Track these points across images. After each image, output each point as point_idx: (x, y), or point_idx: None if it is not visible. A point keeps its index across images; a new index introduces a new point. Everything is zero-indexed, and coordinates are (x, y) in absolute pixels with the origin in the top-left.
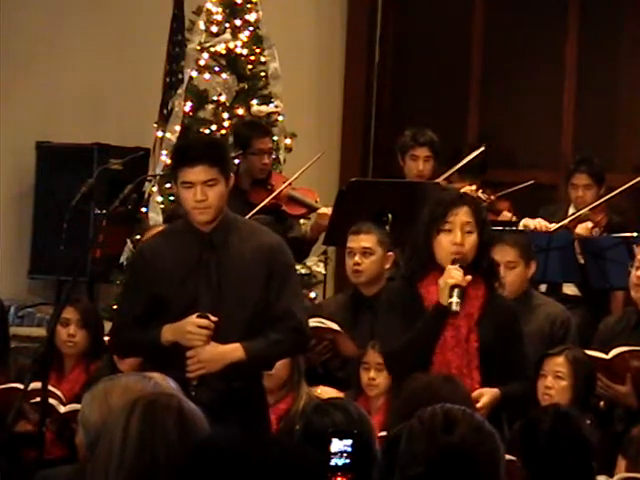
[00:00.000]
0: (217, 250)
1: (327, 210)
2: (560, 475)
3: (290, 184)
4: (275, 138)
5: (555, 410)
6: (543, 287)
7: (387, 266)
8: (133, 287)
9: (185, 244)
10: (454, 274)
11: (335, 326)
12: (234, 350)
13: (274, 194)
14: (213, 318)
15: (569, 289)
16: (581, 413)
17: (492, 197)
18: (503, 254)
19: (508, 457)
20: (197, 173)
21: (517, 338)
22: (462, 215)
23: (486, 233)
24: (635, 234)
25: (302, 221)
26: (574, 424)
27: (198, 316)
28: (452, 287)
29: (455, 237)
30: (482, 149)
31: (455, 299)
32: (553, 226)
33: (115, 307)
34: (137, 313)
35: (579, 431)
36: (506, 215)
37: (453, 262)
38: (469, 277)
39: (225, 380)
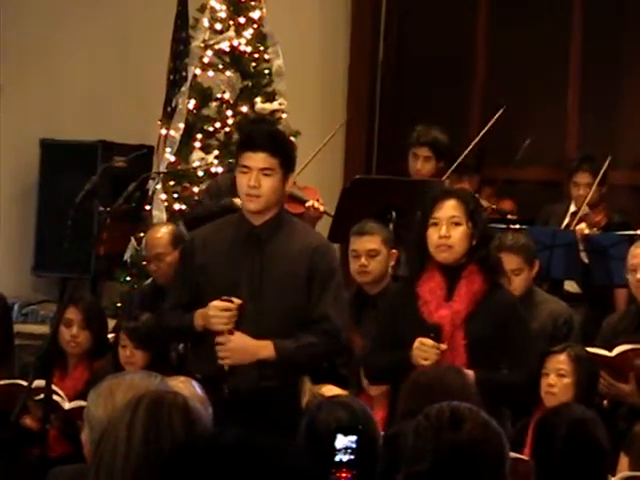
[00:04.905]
0: (263, 245)
1: (314, 203)
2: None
3: (294, 182)
4: None
5: (570, 415)
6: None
7: (391, 263)
8: (181, 274)
9: (234, 236)
10: (426, 354)
11: None
12: (265, 347)
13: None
14: (237, 301)
15: (570, 286)
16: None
17: (494, 206)
18: (508, 262)
19: (512, 455)
20: (256, 159)
21: (516, 332)
22: (447, 208)
23: (480, 224)
24: (639, 232)
25: None
26: (590, 430)
27: (221, 300)
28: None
29: (440, 230)
30: (502, 110)
31: None
32: None
33: (119, 305)
34: (183, 300)
35: (596, 438)
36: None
37: (442, 265)
38: (444, 346)
39: (255, 378)
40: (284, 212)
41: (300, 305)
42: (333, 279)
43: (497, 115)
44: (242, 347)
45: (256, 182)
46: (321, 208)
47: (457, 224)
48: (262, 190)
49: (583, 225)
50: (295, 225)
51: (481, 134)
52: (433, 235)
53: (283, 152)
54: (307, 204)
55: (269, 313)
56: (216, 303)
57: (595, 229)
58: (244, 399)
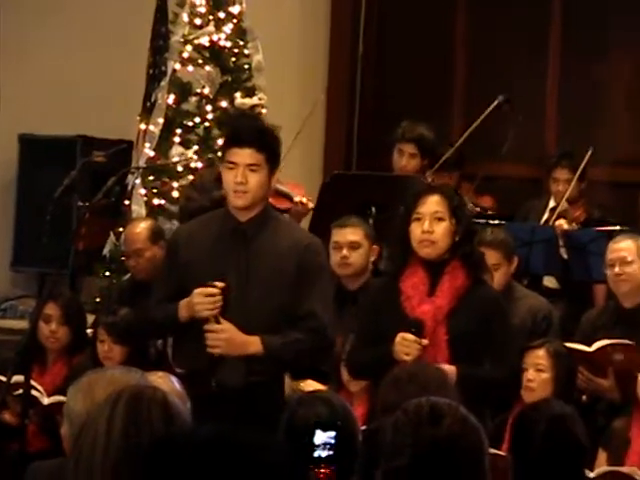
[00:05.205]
0: (249, 242)
1: (302, 198)
2: (550, 475)
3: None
4: None
5: (549, 411)
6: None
7: (372, 259)
8: (166, 269)
9: (219, 232)
10: (407, 349)
11: None
12: (253, 343)
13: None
14: (219, 284)
15: (549, 282)
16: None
17: (477, 209)
18: (487, 257)
19: (492, 451)
20: (243, 155)
21: (498, 327)
22: (431, 204)
23: (464, 220)
24: (617, 227)
25: None
26: (569, 426)
27: (205, 285)
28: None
29: (423, 225)
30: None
31: None
32: None
33: (98, 300)
34: (168, 294)
35: (574, 434)
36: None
37: (425, 261)
38: (425, 341)
39: (244, 374)
40: (270, 208)
41: (287, 302)
42: (321, 276)
43: (494, 104)
44: (232, 339)
45: (243, 178)
46: (310, 204)
47: (440, 219)
48: (249, 186)
49: (562, 221)
50: (280, 221)
51: (479, 120)
52: (416, 230)
53: (269, 148)
54: (295, 199)
55: (256, 310)
56: (199, 289)
57: (574, 225)
58: (230, 394)
